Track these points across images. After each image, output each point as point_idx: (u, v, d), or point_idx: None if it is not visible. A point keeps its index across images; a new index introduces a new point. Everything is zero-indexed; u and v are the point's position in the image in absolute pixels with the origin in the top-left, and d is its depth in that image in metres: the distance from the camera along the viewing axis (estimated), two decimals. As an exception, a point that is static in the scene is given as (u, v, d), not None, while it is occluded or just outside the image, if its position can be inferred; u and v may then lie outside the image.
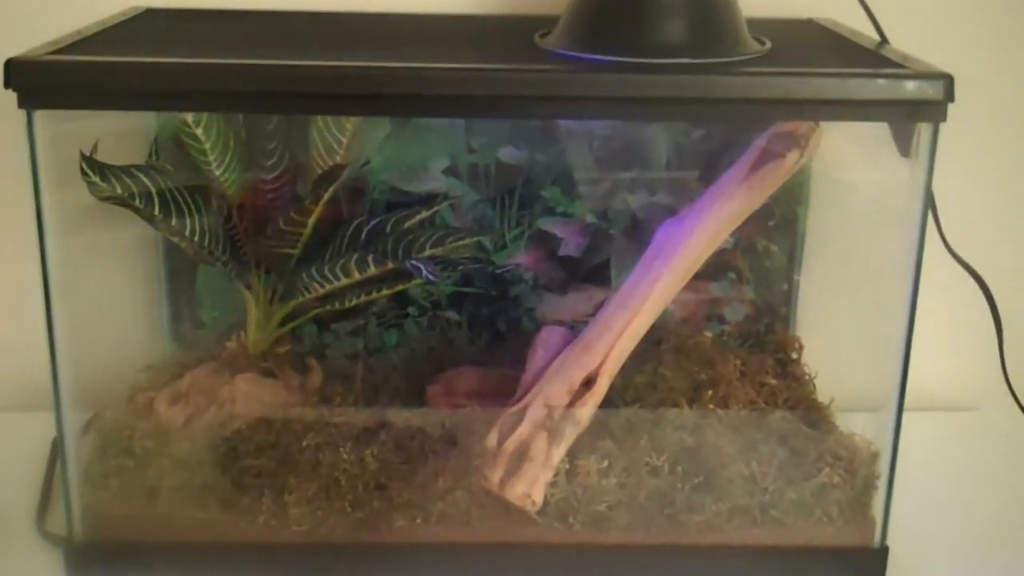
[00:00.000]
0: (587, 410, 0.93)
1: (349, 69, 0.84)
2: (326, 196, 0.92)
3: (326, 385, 1.04)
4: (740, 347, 1.12)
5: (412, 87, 0.84)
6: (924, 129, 0.85)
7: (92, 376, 0.99)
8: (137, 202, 0.93)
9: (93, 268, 1.11)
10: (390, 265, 0.97)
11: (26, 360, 0.98)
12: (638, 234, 1.10)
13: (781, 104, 0.85)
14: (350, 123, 1.00)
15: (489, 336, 1.14)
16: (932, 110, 0.83)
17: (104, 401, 1.02)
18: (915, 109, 0.83)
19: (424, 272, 0.94)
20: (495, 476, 0.91)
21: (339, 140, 1.00)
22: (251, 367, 1.02)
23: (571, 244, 1.12)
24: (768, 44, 0.92)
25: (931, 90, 0.82)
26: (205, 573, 0.91)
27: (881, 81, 0.82)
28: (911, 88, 0.82)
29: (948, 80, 0.82)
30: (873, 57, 0.91)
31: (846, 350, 1.09)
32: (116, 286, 1.16)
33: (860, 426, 1.00)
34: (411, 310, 1.13)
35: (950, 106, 0.83)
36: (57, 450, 0.94)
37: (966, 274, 1.02)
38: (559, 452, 0.92)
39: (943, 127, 0.84)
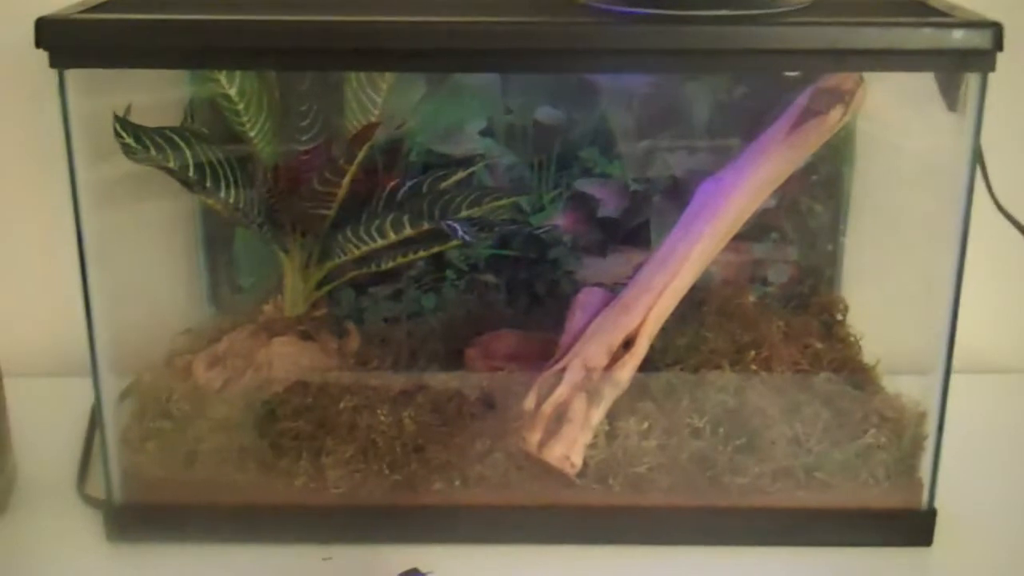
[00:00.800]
0: (626, 371, 0.92)
1: (384, 24, 0.83)
2: (360, 156, 0.91)
3: (364, 349, 1.04)
4: (784, 309, 1.10)
5: (448, 42, 0.83)
6: (972, 80, 0.82)
7: (132, 341, 0.99)
8: (171, 164, 0.93)
9: (131, 234, 1.10)
10: (426, 226, 0.96)
11: (66, 326, 0.98)
12: (678, 195, 1.08)
13: (823, 55, 0.83)
14: (384, 82, 0.98)
15: (527, 299, 1.13)
16: (980, 60, 0.80)
17: (143, 366, 1.02)
18: (963, 59, 0.81)
19: (460, 232, 0.93)
20: (533, 438, 0.90)
21: (374, 100, 0.99)
22: (288, 330, 1.01)
23: (610, 205, 1.11)
24: (811, -4, 0.90)
25: (979, 39, 0.79)
26: (243, 535, 0.91)
27: (927, 30, 0.80)
28: (958, 37, 0.79)
29: (997, 28, 0.79)
30: (919, 7, 0.88)
31: (893, 311, 1.07)
32: (154, 251, 1.16)
33: (907, 388, 0.98)
34: (448, 273, 1.12)
35: (1000, 57, 0.80)
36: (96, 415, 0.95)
37: (1017, 232, 1.00)
38: (598, 414, 0.91)
39: (992, 79, 0.82)
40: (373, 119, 0.98)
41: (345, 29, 0.83)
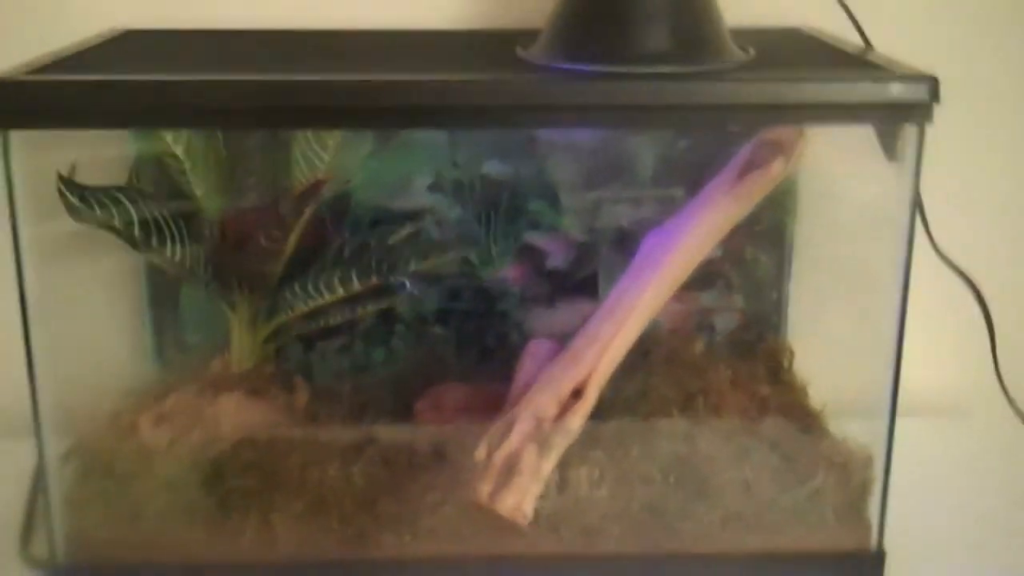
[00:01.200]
0: (576, 420, 0.92)
1: (330, 83, 0.84)
2: (307, 213, 0.91)
3: (313, 403, 1.03)
4: (732, 356, 1.11)
5: (394, 99, 0.83)
6: (910, 132, 0.84)
7: (75, 401, 0.98)
8: (117, 224, 0.92)
9: (76, 291, 1.10)
10: (374, 281, 0.96)
11: (6, 387, 0.96)
12: (626, 246, 1.09)
13: (765, 109, 0.84)
14: (332, 139, 0.99)
15: (477, 351, 1.13)
16: (918, 112, 0.82)
17: (87, 426, 1.01)
18: (901, 111, 0.83)
19: (408, 287, 0.94)
20: (484, 489, 0.90)
21: (321, 156, 0.99)
22: (235, 387, 1.00)
23: (558, 257, 1.12)
24: (752, 52, 0.91)
25: (916, 91, 0.81)
26: (192, 595, 0.90)
27: (866, 84, 0.82)
28: (896, 90, 0.81)
29: (933, 81, 0.81)
30: (858, 62, 0.90)
31: (838, 357, 1.08)
32: (99, 309, 1.14)
33: (854, 432, 0.99)
34: (398, 327, 1.12)
35: (937, 110, 0.83)
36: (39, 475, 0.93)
37: (957, 277, 1.02)
38: (549, 463, 0.91)
39: (929, 130, 0.84)
40: (320, 175, 0.98)
41: (291, 88, 0.83)
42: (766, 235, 1.13)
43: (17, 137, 0.84)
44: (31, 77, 0.83)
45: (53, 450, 0.94)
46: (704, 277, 1.12)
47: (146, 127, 0.93)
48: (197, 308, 1.11)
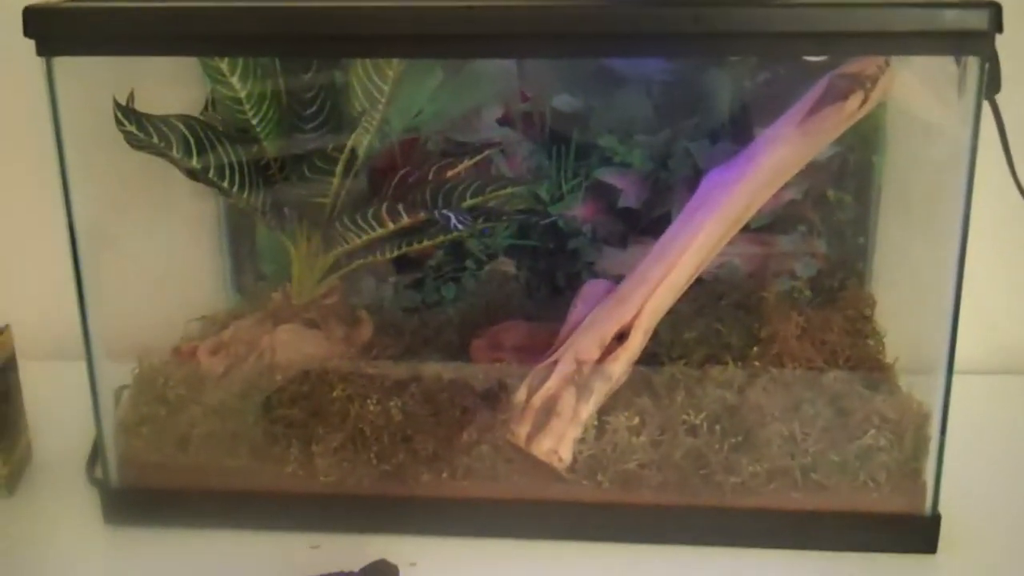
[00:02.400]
0: (618, 365, 0.90)
1: (388, 9, 0.82)
2: (350, 143, 0.90)
3: (375, 338, 1.03)
4: (810, 304, 1.06)
5: (456, 27, 0.81)
6: (972, 64, 0.78)
7: (153, 330, 1.01)
8: (175, 151, 0.93)
9: (155, 221, 1.12)
10: (421, 215, 0.94)
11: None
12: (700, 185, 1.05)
13: (818, 37, 0.79)
14: (391, 69, 0.97)
15: (546, 290, 1.11)
16: (976, 42, 0.76)
17: (156, 352, 1.03)
18: (958, 41, 0.76)
19: (453, 222, 0.92)
20: (522, 431, 0.89)
21: (380, 88, 0.98)
22: (294, 318, 1.01)
23: (630, 195, 1.08)
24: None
25: (974, 19, 0.75)
26: (233, 521, 0.92)
27: (918, 10, 0.76)
28: (951, 18, 0.75)
29: (995, 8, 0.74)
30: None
31: (919, 307, 1.02)
32: (179, 239, 1.17)
33: (925, 388, 0.93)
34: (468, 263, 1.10)
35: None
36: (117, 398, 0.96)
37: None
38: (587, 408, 0.89)
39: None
40: (381, 108, 0.97)
41: (349, 15, 0.82)
42: (853, 175, 1.07)
43: (86, 66, 0.85)
44: (72, 4, 0.84)
45: (128, 378, 0.97)
46: (785, 219, 1.08)
47: (189, 54, 0.94)
48: (272, 239, 1.12)
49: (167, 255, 1.15)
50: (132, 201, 1.06)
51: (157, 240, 1.12)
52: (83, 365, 1.12)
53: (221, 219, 1.15)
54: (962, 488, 0.88)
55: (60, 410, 1.06)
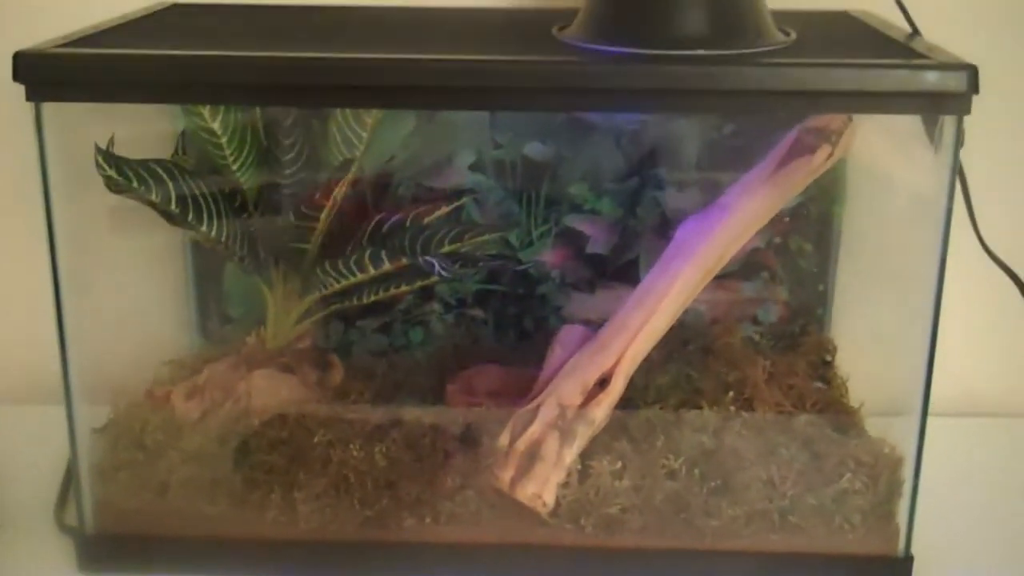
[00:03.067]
0: (601, 410, 0.91)
1: (370, 61, 0.83)
2: (336, 191, 0.91)
3: (347, 382, 1.03)
4: (772, 349, 1.09)
5: (433, 79, 0.83)
6: (948, 122, 0.81)
7: (119, 372, 1.00)
8: (154, 197, 0.93)
9: (123, 266, 1.11)
10: (403, 261, 0.95)
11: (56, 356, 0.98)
12: (667, 231, 1.07)
13: (798, 95, 0.82)
14: (370, 117, 0.98)
15: (515, 335, 1.12)
16: (955, 102, 0.79)
17: (124, 397, 1.02)
18: (938, 101, 0.80)
19: (437, 268, 0.93)
20: (506, 476, 0.90)
21: (359, 135, 0.99)
22: (269, 362, 1.01)
23: (599, 242, 1.10)
24: (793, 35, 0.89)
25: (953, 81, 0.78)
26: (214, 568, 0.91)
27: (901, 72, 0.79)
28: (932, 79, 0.78)
29: (972, 71, 0.78)
30: (900, 48, 0.88)
31: (881, 352, 1.05)
32: (144, 281, 1.16)
33: (893, 431, 0.96)
34: (437, 307, 1.11)
35: (990, 99, 0.79)
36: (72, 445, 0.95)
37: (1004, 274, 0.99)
38: (571, 452, 0.90)
39: (979, 120, 0.81)
40: (358, 154, 0.98)
41: (330, 65, 0.83)
42: (813, 225, 1.10)
43: (59, 108, 0.85)
44: (63, 50, 0.84)
45: (96, 420, 0.96)
46: (748, 267, 1.10)
47: (179, 102, 0.94)
48: (240, 281, 1.12)
49: (132, 298, 1.14)
50: (97, 244, 1.05)
51: (122, 283, 1.12)
52: (35, 409, 1.12)
53: (187, 262, 1.15)
54: (933, 529, 0.90)
55: (22, 455, 1.05)
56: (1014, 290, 0.99)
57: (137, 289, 1.15)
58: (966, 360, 1.02)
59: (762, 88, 0.82)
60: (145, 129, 1.02)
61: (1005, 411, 1.16)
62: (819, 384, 1.04)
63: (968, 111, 0.80)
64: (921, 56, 0.83)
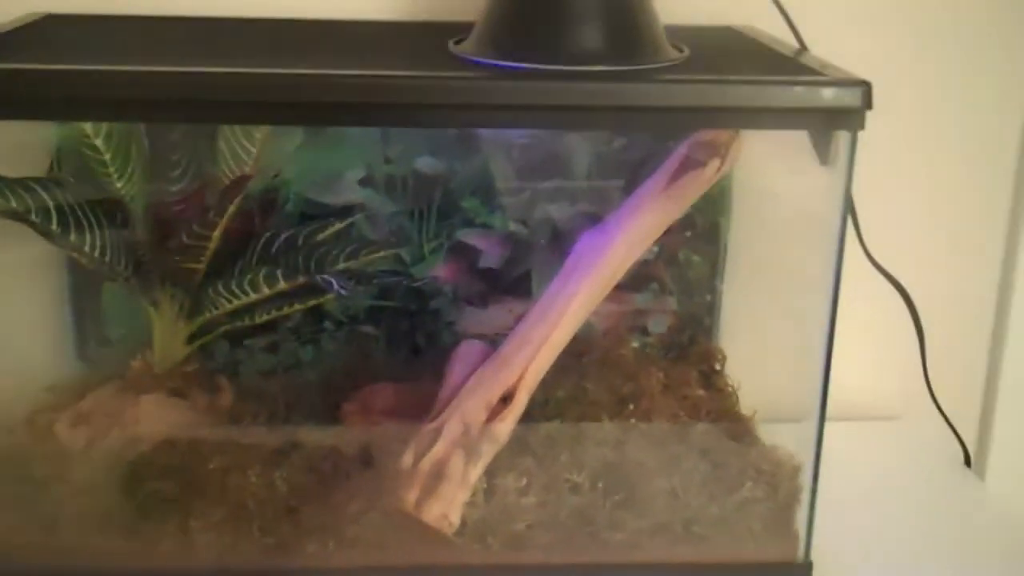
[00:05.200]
0: (505, 426, 0.91)
1: (257, 76, 0.81)
2: (231, 209, 0.89)
3: (237, 404, 1.01)
4: (664, 359, 1.10)
5: (323, 95, 0.81)
6: (843, 137, 0.83)
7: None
8: (33, 216, 0.89)
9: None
10: (300, 280, 0.94)
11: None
12: (560, 245, 1.08)
13: (697, 112, 0.83)
14: (259, 133, 0.97)
15: (408, 351, 1.11)
16: (850, 118, 0.81)
17: (4, 424, 0.98)
18: (833, 117, 0.82)
19: (335, 286, 0.92)
20: (410, 497, 0.88)
21: (248, 150, 0.97)
22: (157, 387, 0.98)
23: (491, 256, 1.10)
24: (686, 51, 0.90)
25: (849, 97, 0.80)
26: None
27: (798, 89, 0.81)
28: (828, 96, 0.80)
29: (866, 87, 0.80)
30: (792, 64, 0.90)
31: (770, 361, 1.08)
32: (17, 304, 1.11)
33: (784, 437, 0.98)
34: (327, 325, 1.09)
35: (873, 113, 0.82)
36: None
37: (888, 283, 1.02)
38: (476, 471, 0.90)
39: (865, 134, 0.83)
40: (247, 169, 0.96)
41: (215, 81, 0.81)
42: (700, 236, 1.12)
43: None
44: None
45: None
46: (638, 278, 1.11)
47: (62, 118, 0.90)
48: (119, 303, 1.08)
49: (7, 320, 1.09)
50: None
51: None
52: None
53: (64, 282, 1.10)
54: (830, 535, 0.93)
55: None
56: (898, 298, 1.03)
57: (12, 309, 1.09)
58: (853, 367, 1.05)
59: (660, 104, 0.82)
60: (17, 141, 0.97)
61: (893, 414, 1.20)
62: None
63: (863, 127, 0.82)
64: (814, 72, 0.85)
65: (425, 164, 1.08)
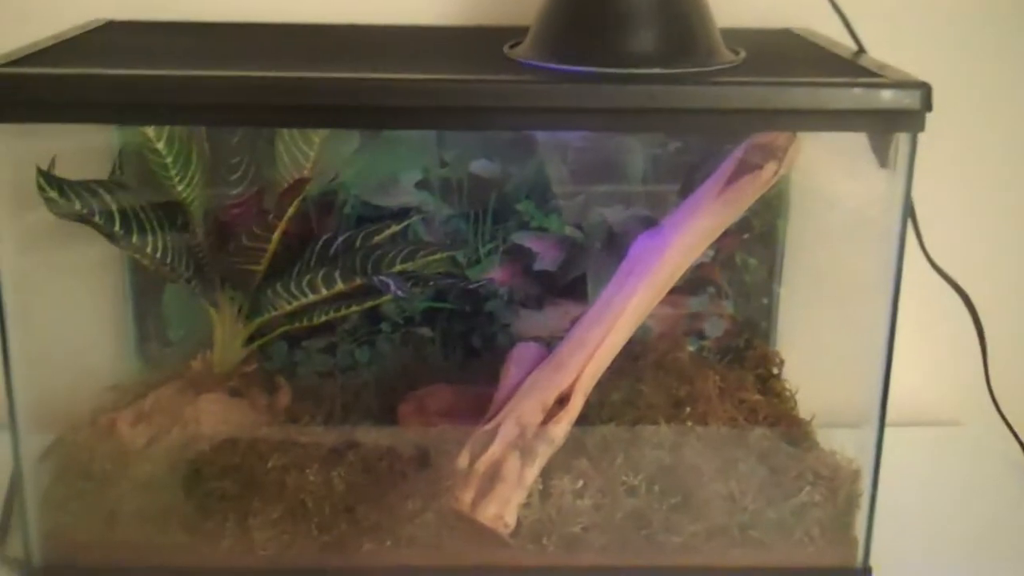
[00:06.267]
0: (561, 428, 0.91)
1: (316, 80, 0.82)
2: (290, 211, 0.90)
3: (295, 404, 1.02)
4: (720, 363, 1.10)
5: (381, 99, 0.82)
6: (902, 139, 0.83)
7: (57, 398, 0.96)
8: (97, 219, 0.91)
9: (58, 287, 1.08)
10: (358, 281, 0.94)
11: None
12: (615, 248, 1.08)
13: (754, 114, 0.82)
14: (317, 136, 0.98)
15: (463, 353, 1.12)
16: (909, 120, 0.81)
17: (68, 423, 0.99)
18: (892, 119, 0.81)
19: (393, 288, 0.92)
20: (466, 497, 0.89)
21: (306, 154, 0.98)
22: (217, 386, 0.99)
23: (546, 258, 1.10)
24: (742, 54, 0.90)
25: (908, 99, 0.80)
26: (168, 600, 0.89)
27: (857, 90, 0.80)
28: (888, 97, 0.80)
29: (926, 89, 0.80)
30: (850, 66, 0.89)
31: (828, 365, 1.07)
32: (81, 305, 1.13)
33: (842, 442, 0.98)
34: (383, 326, 1.10)
35: (931, 115, 0.81)
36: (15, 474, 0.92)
37: (948, 287, 1.01)
38: (532, 472, 0.90)
39: (924, 137, 0.82)
40: (305, 173, 0.97)
41: (275, 85, 0.82)
42: (757, 239, 1.12)
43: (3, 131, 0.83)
44: (6, 70, 0.81)
45: (33, 447, 0.92)
46: (694, 281, 1.11)
47: (125, 122, 0.92)
48: (180, 304, 1.10)
49: (71, 321, 1.11)
50: (33, 264, 1.02)
51: (60, 305, 1.09)
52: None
53: (126, 283, 1.12)
54: (890, 540, 0.92)
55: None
56: (958, 302, 1.02)
57: (76, 310, 1.11)
58: (913, 371, 1.04)
59: (716, 107, 0.82)
60: (79, 145, 0.99)
61: (953, 420, 1.19)
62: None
63: (922, 128, 0.81)
64: (873, 74, 0.84)
65: (481, 167, 1.08)
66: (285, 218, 0.90)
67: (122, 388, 1.04)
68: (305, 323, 0.99)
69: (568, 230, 1.09)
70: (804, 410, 1.04)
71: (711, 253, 1.10)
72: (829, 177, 1.04)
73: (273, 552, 0.89)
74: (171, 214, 0.95)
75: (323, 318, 0.98)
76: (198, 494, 0.91)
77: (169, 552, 0.90)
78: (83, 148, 1.00)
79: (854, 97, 0.81)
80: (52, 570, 0.90)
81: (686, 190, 1.02)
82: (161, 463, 0.94)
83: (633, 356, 1.07)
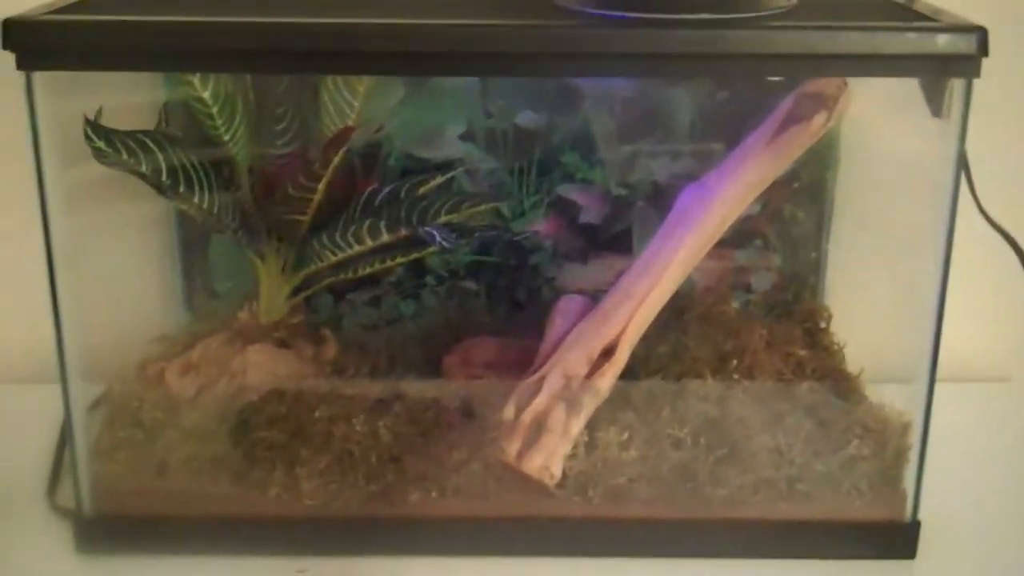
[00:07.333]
0: (606, 380, 0.90)
1: (360, 26, 0.81)
2: (335, 160, 0.90)
3: (341, 356, 1.02)
4: (767, 316, 1.09)
5: (425, 45, 0.81)
6: (957, 86, 0.81)
7: (105, 348, 0.97)
8: (144, 168, 0.91)
9: (106, 238, 1.09)
10: (403, 232, 0.94)
11: (41, 333, 0.96)
12: (660, 201, 1.07)
13: (805, 60, 0.81)
14: (362, 85, 0.97)
15: (508, 305, 1.11)
16: (964, 65, 0.79)
17: (117, 373, 1.00)
18: (947, 64, 0.79)
19: (438, 238, 0.92)
20: (512, 448, 0.89)
21: (351, 103, 0.97)
22: (263, 337, 0.99)
23: (591, 211, 1.09)
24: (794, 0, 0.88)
25: (963, 44, 0.78)
26: (216, 547, 0.90)
27: (910, 35, 0.79)
28: (942, 42, 0.78)
29: (982, 33, 0.78)
30: (903, 11, 0.87)
31: (877, 319, 1.05)
32: (129, 256, 1.14)
33: (891, 397, 0.96)
34: (428, 279, 1.10)
35: (986, 62, 0.79)
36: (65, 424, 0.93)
37: (1002, 240, 0.99)
38: (578, 423, 0.90)
39: (978, 84, 0.81)
40: (349, 123, 0.97)
41: (320, 31, 0.81)
42: (806, 191, 1.10)
43: (45, 80, 0.83)
44: (54, 17, 0.81)
45: (82, 398, 0.93)
46: (741, 234, 1.10)
47: (171, 70, 0.92)
48: (227, 255, 1.10)
49: (119, 272, 1.11)
50: (82, 217, 1.03)
51: (108, 257, 1.09)
52: (17, 388, 1.10)
53: (173, 234, 1.12)
54: (939, 495, 0.91)
55: (8, 436, 1.02)
56: (1012, 256, 1.00)
57: (124, 262, 1.12)
58: (964, 326, 1.02)
59: (767, 52, 0.81)
60: (124, 96, 0.99)
61: (1004, 376, 1.17)
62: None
63: (978, 74, 0.79)
64: (926, 18, 0.82)
65: (526, 119, 1.07)
66: (330, 168, 0.90)
67: (170, 339, 1.05)
68: (350, 275, 0.99)
69: (613, 183, 1.08)
70: (852, 365, 1.03)
71: (759, 206, 1.09)
72: (880, 128, 1.03)
73: (320, 501, 0.89)
74: (217, 165, 0.95)
75: (368, 270, 0.98)
76: (246, 444, 0.91)
77: (217, 501, 0.90)
78: (129, 105, 1.00)
79: (907, 42, 0.79)
80: (102, 519, 0.91)
81: (734, 141, 1.01)
82: (209, 413, 0.94)
83: (679, 309, 1.06)
